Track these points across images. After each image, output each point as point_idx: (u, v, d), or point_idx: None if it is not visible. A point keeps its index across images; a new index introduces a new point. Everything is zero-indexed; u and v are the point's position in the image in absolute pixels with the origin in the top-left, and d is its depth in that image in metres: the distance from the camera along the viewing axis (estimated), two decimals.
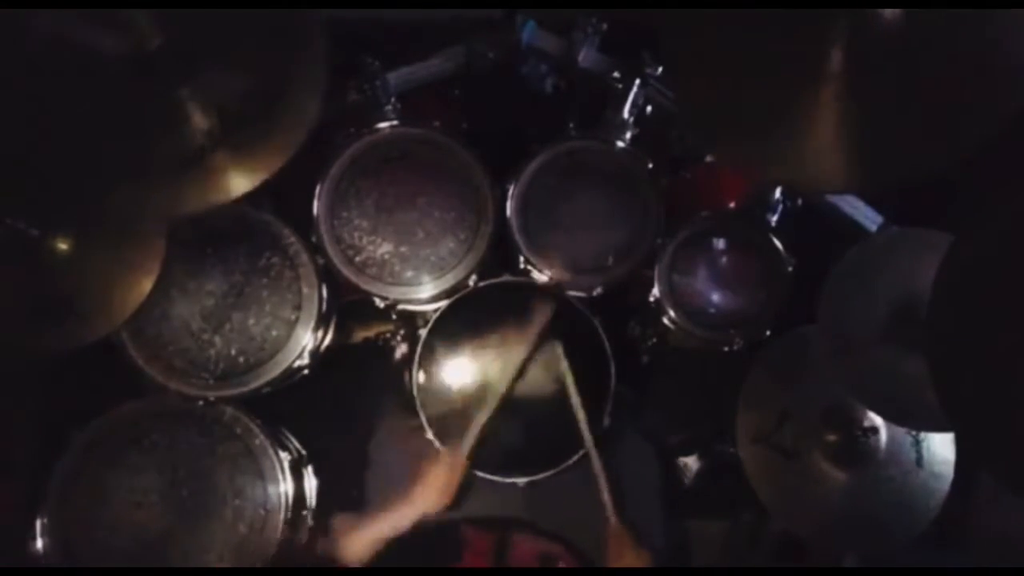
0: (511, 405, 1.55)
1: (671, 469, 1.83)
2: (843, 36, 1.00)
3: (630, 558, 1.42)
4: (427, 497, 1.45)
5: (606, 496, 1.47)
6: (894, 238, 1.38)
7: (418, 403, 1.53)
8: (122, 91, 1.17)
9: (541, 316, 1.55)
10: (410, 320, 1.83)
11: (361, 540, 1.39)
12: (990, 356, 0.88)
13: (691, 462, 1.88)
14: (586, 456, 1.49)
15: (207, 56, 1.18)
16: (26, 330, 1.32)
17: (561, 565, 1.42)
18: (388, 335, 1.95)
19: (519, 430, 1.54)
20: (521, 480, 1.50)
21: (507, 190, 1.57)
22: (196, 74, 1.17)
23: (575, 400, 1.51)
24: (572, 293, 1.60)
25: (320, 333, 1.61)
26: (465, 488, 1.49)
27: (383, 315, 1.70)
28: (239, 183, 1.20)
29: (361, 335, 1.95)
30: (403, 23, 1.73)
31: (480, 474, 1.49)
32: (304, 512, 1.64)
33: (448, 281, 1.56)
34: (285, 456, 1.57)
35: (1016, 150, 1.09)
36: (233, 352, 1.52)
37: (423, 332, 1.57)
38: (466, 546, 1.46)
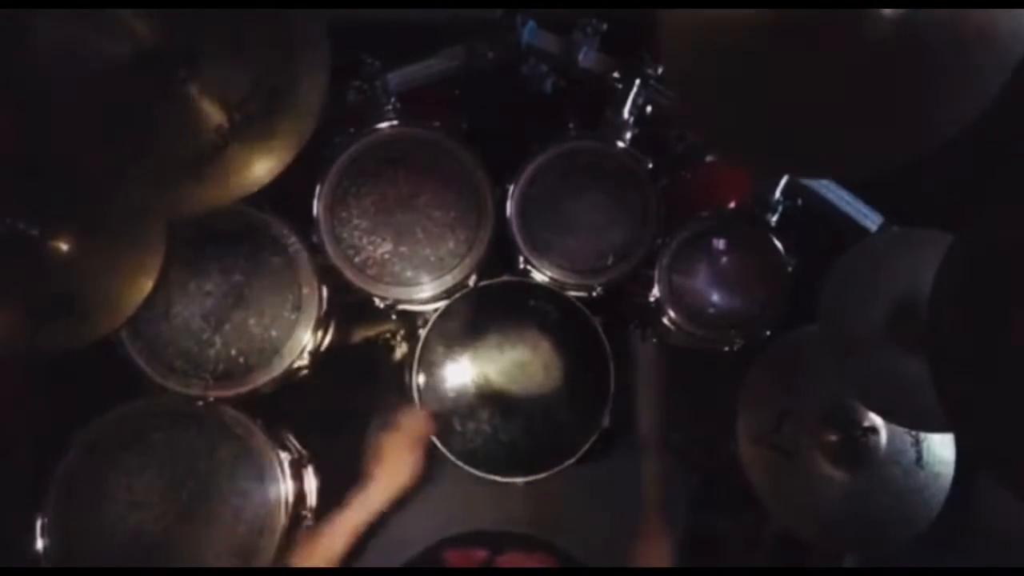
0: (511, 405, 1.55)
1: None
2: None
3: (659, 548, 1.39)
4: (390, 473, 1.35)
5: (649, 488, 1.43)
6: (894, 238, 1.38)
7: (418, 403, 1.53)
8: (125, 90, 1.17)
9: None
10: (410, 320, 1.83)
11: (331, 541, 1.32)
12: (990, 356, 0.88)
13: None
14: (584, 456, 1.49)
15: (210, 54, 1.18)
16: (26, 330, 1.32)
17: None
18: (388, 335, 1.95)
19: (519, 429, 1.54)
20: (520, 480, 1.50)
21: (507, 190, 1.57)
22: (200, 72, 1.17)
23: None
24: (572, 293, 1.60)
25: (320, 333, 1.61)
26: (431, 458, 1.41)
27: (383, 315, 1.70)
28: (249, 181, 1.20)
29: (361, 335, 1.95)
30: (403, 23, 1.73)
31: (479, 474, 1.49)
32: (304, 512, 1.64)
33: (448, 281, 1.56)
34: (285, 456, 1.56)
35: (1016, 150, 1.09)
36: (233, 352, 1.52)
37: (423, 332, 1.57)
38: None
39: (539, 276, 1.59)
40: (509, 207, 1.57)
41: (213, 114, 1.18)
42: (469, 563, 1.37)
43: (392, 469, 1.38)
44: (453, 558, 1.36)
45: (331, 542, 1.33)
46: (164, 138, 1.20)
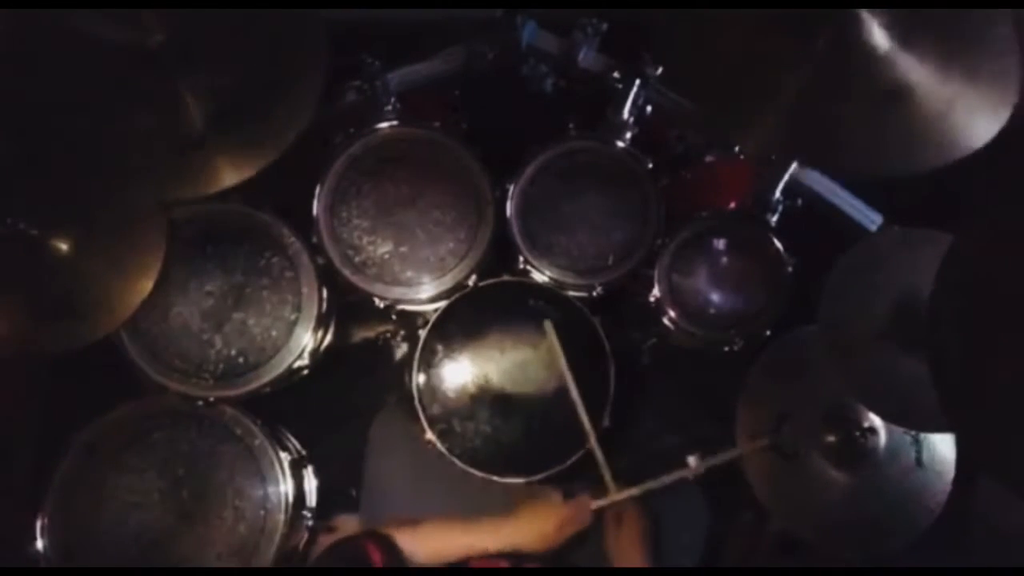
0: (511, 405, 1.55)
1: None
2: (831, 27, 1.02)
3: (630, 527, 1.42)
4: (524, 534, 1.36)
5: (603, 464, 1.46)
6: (894, 238, 1.38)
7: (418, 404, 1.53)
8: (122, 87, 1.17)
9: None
10: (410, 320, 1.83)
11: (428, 543, 1.30)
12: (990, 356, 0.88)
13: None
14: (584, 458, 1.49)
15: (208, 53, 1.18)
16: (26, 330, 1.32)
17: None
18: (388, 335, 1.95)
19: (519, 430, 1.54)
20: (520, 480, 1.50)
21: (507, 190, 1.57)
22: (196, 71, 1.17)
23: (568, 376, 1.50)
24: (572, 293, 1.60)
25: (320, 333, 1.61)
26: (575, 538, 1.42)
27: (383, 315, 1.70)
28: (230, 174, 1.20)
29: (361, 335, 1.95)
30: (403, 23, 1.73)
31: (479, 474, 1.49)
32: (304, 512, 1.64)
33: (448, 281, 1.56)
34: (285, 456, 1.56)
35: (1016, 150, 1.09)
36: (233, 352, 1.52)
37: (423, 332, 1.57)
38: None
39: (539, 276, 1.59)
40: (509, 207, 1.57)
41: (203, 107, 1.18)
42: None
43: (533, 527, 1.38)
44: (475, 563, 1.36)
45: (441, 545, 1.32)
46: (156, 131, 1.20)
